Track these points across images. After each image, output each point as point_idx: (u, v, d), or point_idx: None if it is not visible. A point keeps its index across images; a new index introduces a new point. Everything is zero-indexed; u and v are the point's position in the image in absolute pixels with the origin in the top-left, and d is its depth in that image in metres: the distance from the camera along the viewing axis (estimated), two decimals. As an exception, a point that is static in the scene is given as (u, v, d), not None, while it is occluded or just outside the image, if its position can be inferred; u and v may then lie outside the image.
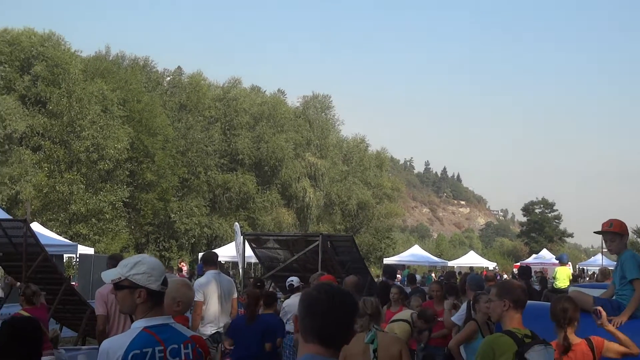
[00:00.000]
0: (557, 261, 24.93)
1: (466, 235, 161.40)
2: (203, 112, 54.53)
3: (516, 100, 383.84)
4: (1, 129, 37.60)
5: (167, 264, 33.93)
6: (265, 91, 67.34)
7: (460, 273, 28.43)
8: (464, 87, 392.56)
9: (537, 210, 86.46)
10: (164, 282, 3.66)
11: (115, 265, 3.91)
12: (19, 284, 11.41)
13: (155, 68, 58.91)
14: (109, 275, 3.67)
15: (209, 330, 8.91)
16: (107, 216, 41.00)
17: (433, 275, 42.76)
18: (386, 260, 47.15)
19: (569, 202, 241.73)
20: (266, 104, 58.93)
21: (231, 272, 31.68)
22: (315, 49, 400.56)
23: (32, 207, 37.10)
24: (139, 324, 3.56)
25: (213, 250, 14.56)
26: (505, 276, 41.17)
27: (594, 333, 5.26)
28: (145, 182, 44.98)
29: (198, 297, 8.57)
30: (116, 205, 41.79)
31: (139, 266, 3.58)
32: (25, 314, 8.18)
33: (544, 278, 23.62)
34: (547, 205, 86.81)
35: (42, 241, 14.73)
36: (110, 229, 41.41)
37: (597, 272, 26.26)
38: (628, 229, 6.31)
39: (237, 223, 32.86)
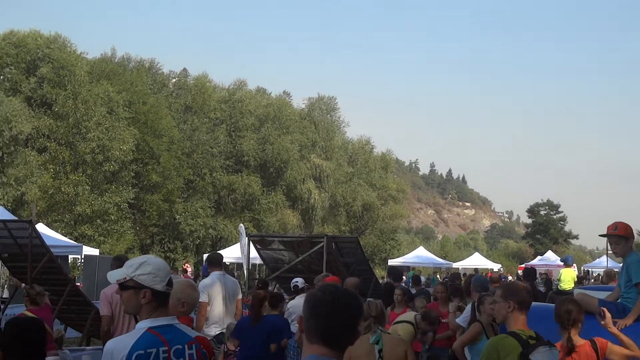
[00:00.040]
0: (562, 263, 24.90)
1: (471, 237, 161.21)
2: (208, 113, 54.56)
3: (519, 101, 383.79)
4: (7, 131, 37.66)
5: (172, 265, 33.93)
6: (270, 93, 67.49)
7: (465, 275, 28.42)
8: (468, 87, 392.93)
9: (542, 212, 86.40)
10: (169, 283, 3.67)
11: (120, 266, 3.92)
12: (23, 285, 11.44)
13: (161, 70, 58.96)
14: (115, 276, 3.68)
15: (213, 331, 8.93)
16: (112, 217, 41.05)
17: (438, 276, 42.72)
18: (391, 262, 47.19)
19: (575, 204, 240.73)
20: (271, 106, 58.97)
21: (236, 274, 31.70)
22: (316, 50, 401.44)
23: (38, 208, 37.16)
24: (144, 325, 3.56)
25: (218, 252, 14.55)
26: (510, 278, 41.13)
27: (598, 335, 5.25)
28: (151, 184, 45.03)
29: (203, 298, 8.59)
30: (121, 207, 41.84)
31: (144, 267, 3.59)
32: (30, 314, 8.19)
33: (549, 280, 23.57)
34: (553, 207, 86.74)
35: (48, 242, 14.76)
36: (115, 230, 41.47)
37: (602, 274, 26.22)
38: (634, 231, 6.29)
39: (242, 224, 32.84)
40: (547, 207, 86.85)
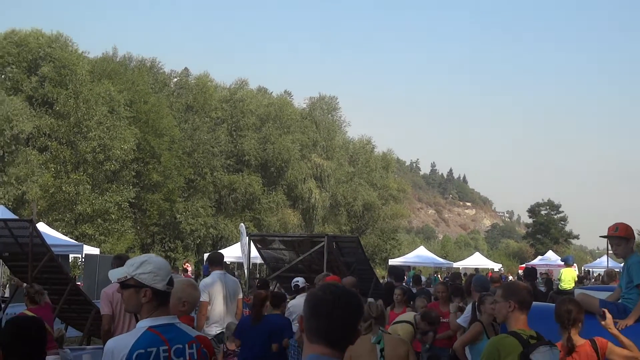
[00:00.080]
0: (563, 263, 24.90)
1: (472, 237, 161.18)
2: (209, 113, 54.58)
3: (520, 101, 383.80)
4: (8, 130, 37.68)
5: (172, 265, 33.94)
6: (271, 92, 67.50)
7: (465, 274, 28.40)
8: (469, 87, 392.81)
9: (543, 212, 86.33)
10: (170, 282, 3.67)
11: (120, 265, 3.92)
12: (25, 285, 11.44)
13: (162, 69, 58.99)
14: (116, 274, 3.68)
15: (214, 330, 8.93)
16: (113, 216, 41.05)
17: (438, 276, 42.70)
18: (391, 262, 47.16)
19: (575, 204, 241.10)
20: (272, 105, 58.98)
21: (236, 273, 31.72)
22: (317, 49, 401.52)
23: (38, 207, 37.17)
24: (144, 324, 3.56)
25: (219, 251, 14.56)
26: (510, 278, 41.12)
27: (598, 335, 5.25)
28: (152, 183, 45.04)
29: (203, 297, 8.58)
30: (122, 206, 41.84)
31: (145, 265, 3.59)
32: (30, 313, 8.20)
33: (550, 279, 23.59)
34: (553, 207, 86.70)
35: (48, 241, 14.77)
36: (116, 230, 41.47)
37: (602, 273, 26.21)
38: (634, 232, 6.29)
39: (242, 224, 32.87)
40: (547, 207, 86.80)
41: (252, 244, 18.96)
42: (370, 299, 7.09)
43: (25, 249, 13.47)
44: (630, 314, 5.64)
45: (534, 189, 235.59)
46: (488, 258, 63.12)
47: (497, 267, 56.98)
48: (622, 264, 6.49)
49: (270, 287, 13.88)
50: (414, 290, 14.23)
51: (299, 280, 11.79)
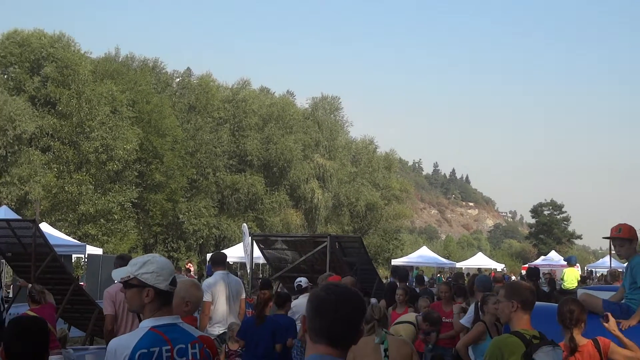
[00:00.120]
0: (566, 263, 24.88)
1: (474, 237, 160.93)
2: (212, 113, 54.61)
3: (523, 100, 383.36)
4: (11, 130, 37.75)
5: (175, 265, 33.95)
6: (274, 92, 67.54)
7: (468, 274, 28.38)
8: (471, 87, 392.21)
9: (545, 212, 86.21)
10: (173, 282, 3.67)
11: (123, 265, 3.92)
12: (30, 285, 11.47)
13: (165, 69, 59.10)
14: (119, 274, 3.68)
15: (217, 330, 8.92)
16: (116, 217, 41.12)
17: (442, 276, 42.65)
18: (394, 262, 47.09)
19: (578, 204, 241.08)
20: (275, 105, 59.03)
21: (239, 273, 31.75)
22: (319, 49, 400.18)
23: (41, 207, 37.24)
24: (147, 324, 3.56)
25: (222, 251, 14.59)
26: (513, 278, 41.07)
27: (601, 334, 5.25)
28: (154, 183, 45.09)
29: (206, 297, 8.58)
30: (125, 206, 41.91)
31: (148, 265, 3.59)
32: (32, 313, 8.20)
33: (553, 279, 23.55)
34: (556, 207, 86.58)
35: (51, 241, 14.82)
36: (118, 230, 41.52)
37: (605, 273, 26.18)
38: (637, 233, 6.28)
39: (245, 224, 32.92)
40: (550, 207, 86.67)
41: (254, 244, 18.98)
42: (373, 300, 7.09)
43: (28, 249, 13.51)
44: (633, 315, 5.64)
45: (536, 189, 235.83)
46: (491, 258, 63.02)
47: (499, 267, 56.85)
48: (625, 264, 6.47)
49: (273, 287, 13.89)
50: (417, 290, 14.21)
51: (302, 281, 11.78)
